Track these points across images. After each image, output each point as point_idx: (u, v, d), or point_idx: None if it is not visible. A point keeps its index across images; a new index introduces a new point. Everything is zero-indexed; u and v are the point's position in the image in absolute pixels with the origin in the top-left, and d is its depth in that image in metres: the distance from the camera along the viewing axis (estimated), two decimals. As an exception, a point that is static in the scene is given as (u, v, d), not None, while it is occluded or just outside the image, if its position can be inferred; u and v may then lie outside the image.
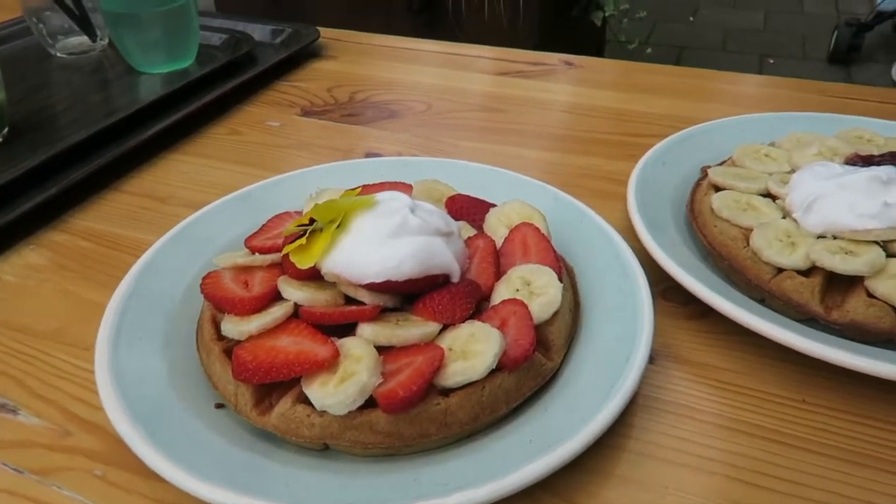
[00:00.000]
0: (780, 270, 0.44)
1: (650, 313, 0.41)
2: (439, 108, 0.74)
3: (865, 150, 0.53)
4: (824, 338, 0.41)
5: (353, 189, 0.47)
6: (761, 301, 0.45)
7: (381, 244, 0.39)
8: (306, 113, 0.73)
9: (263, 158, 0.65)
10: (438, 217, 0.42)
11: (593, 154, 0.64)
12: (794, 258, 0.44)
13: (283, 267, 0.42)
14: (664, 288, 0.48)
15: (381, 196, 0.43)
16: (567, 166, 0.63)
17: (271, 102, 0.76)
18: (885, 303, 0.41)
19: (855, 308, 0.42)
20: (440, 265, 0.40)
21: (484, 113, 0.72)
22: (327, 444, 0.36)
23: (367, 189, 0.49)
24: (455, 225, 0.43)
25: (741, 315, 0.41)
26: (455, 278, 0.41)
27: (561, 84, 0.78)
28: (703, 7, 3.59)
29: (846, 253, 0.43)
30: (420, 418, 0.35)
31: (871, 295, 0.42)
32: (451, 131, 0.69)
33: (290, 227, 0.44)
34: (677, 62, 3.05)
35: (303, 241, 0.41)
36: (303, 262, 0.40)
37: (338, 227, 0.41)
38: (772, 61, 3.04)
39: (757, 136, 0.59)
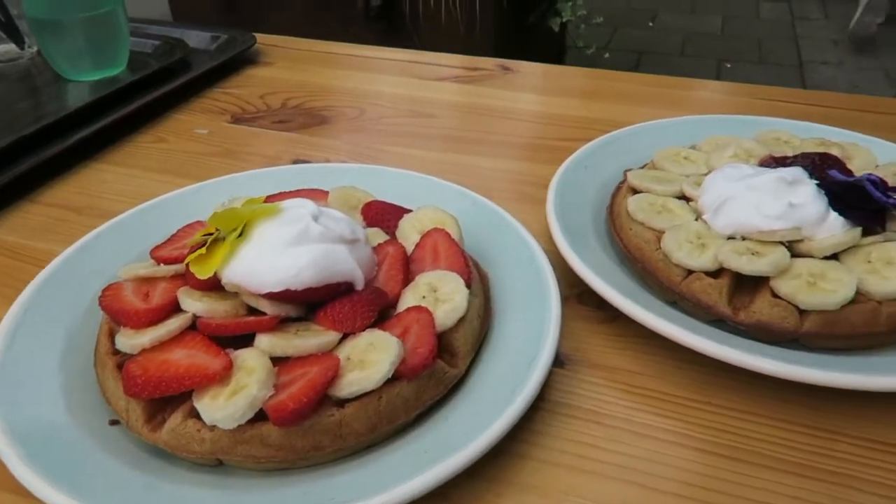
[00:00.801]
0: (690, 272, 0.44)
1: (557, 318, 0.41)
2: (372, 113, 0.73)
3: (780, 152, 0.54)
4: (729, 339, 0.41)
5: (257, 197, 0.46)
6: (674, 303, 0.46)
7: (281, 253, 0.39)
8: (237, 120, 0.72)
9: (187, 167, 0.64)
10: (344, 224, 0.42)
11: (522, 158, 0.64)
12: (702, 260, 0.44)
13: (186, 277, 0.41)
14: (580, 292, 0.48)
15: (286, 204, 0.42)
16: (494, 171, 0.63)
17: (202, 109, 0.74)
18: (789, 303, 0.41)
19: (760, 308, 0.42)
20: (342, 273, 0.39)
21: (416, 118, 0.72)
22: (220, 459, 0.35)
23: (283, 196, 0.48)
24: (362, 232, 0.43)
25: (646, 317, 0.41)
26: (359, 286, 0.40)
27: (496, 89, 0.78)
28: (662, 13, 3.64)
29: (752, 254, 0.43)
30: (313, 430, 0.35)
31: (775, 295, 0.42)
32: (381, 137, 0.69)
33: (197, 236, 0.43)
34: (636, 67, 3.09)
35: (203, 250, 0.40)
36: (202, 272, 0.39)
37: (239, 235, 0.40)
38: (729, 65, 3.09)
39: (680, 138, 0.59)
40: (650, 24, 3.56)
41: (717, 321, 0.44)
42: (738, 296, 0.44)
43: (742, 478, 0.36)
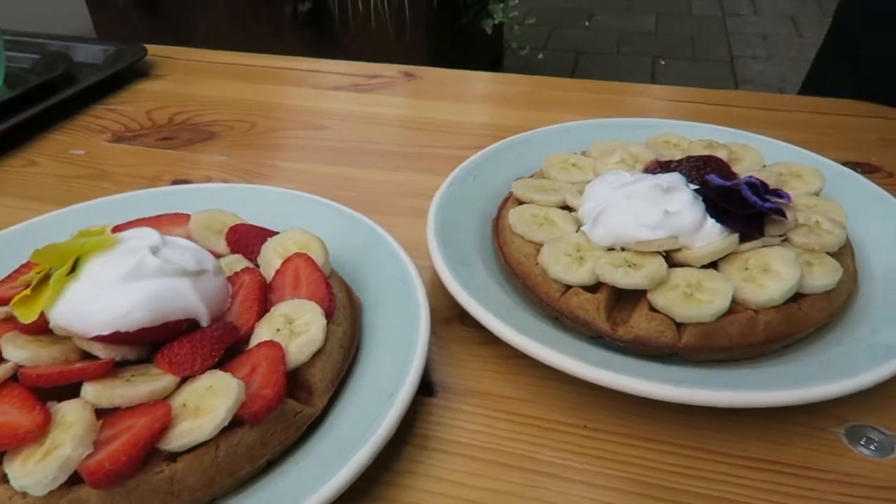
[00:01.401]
0: (568, 287, 0.42)
1: (424, 346, 0.38)
2: (263, 127, 0.70)
3: (668, 155, 0.53)
4: (607, 357, 0.39)
5: (97, 227, 0.42)
6: (556, 320, 0.43)
7: (111, 291, 0.35)
8: (118, 138, 0.68)
9: (56, 192, 0.59)
10: (189, 255, 0.38)
11: (415, 170, 0.62)
12: (580, 274, 0.42)
13: (15, 321, 0.37)
14: (461, 312, 0.45)
15: (124, 235, 0.38)
16: (385, 183, 0.60)
17: (81, 128, 0.70)
18: (666, 316, 0.40)
19: (638, 323, 0.40)
20: (182, 310, 0.36)
21: (309, 131, 0.69)
22: (36, 528, 0.32)
23: (135, 224, 0.45)
24: (211, 262, 0.39)
25: (514, 338, 0.39)
26: (204, 322, 0.37)
27: (396, 97, 0.76)
28: (597, 12, 3.67)
29: (630, 266, 0.41)
30: (140, 491, 0.31)
31: (653, 308, 0.40)
32: (271, 152, 0.65)
33: (31, 274, 0.39)
34: (574, 66, 3.11)
35: (28, 291, 0.36)
36: (25, 316, 0.36)
37: (71, 272, 0.37)
38: (663, 62, 3.13)
39: (575, 144, 0.58)
40: (587, 23, 3.59)
41: (599, 337, 0.42)
42: (617, 310, 0.42)
43: (613, 508, 0.34)
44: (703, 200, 0.43)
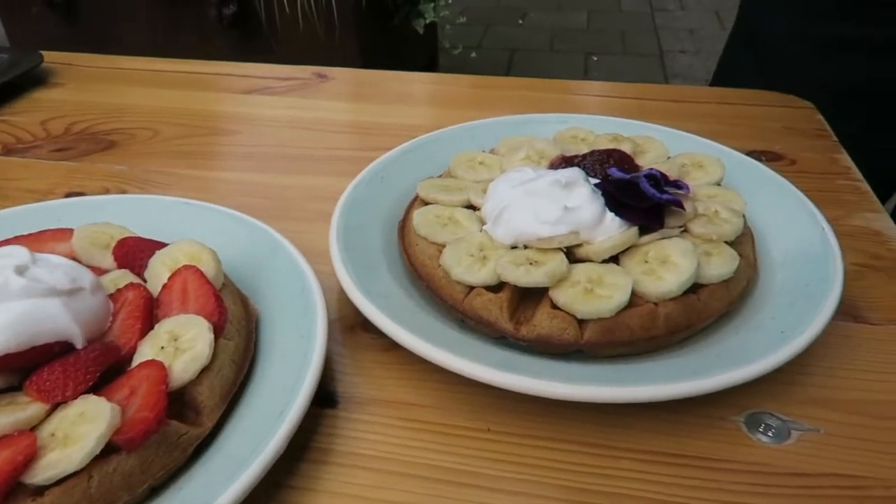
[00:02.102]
0: (472, 288, 0.42)
1: (319, 356, 0.37)
2: (168, 134, 0.67)
3: (574, 150, 0.52)
4: (510, 358, 0.39)
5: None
6: (463, 322, 0.43)
7: (-29, 315, 0.32)
8: (8, 151, 0.64)
9: (-62, 209, 0.55)
10: (61, 272, 0.36)
11: (325, 173, 0.60)
12: (482, 274, 0.41)
13: None
14: (365, 319, 0.44)
15: (-10, 254, 0.36)
16: (293, 188, 0.58)
17: (-32, 142, 0.66)
18: (567, 313, 0.39)
19: (541, 321, 0.40)
20: (53, 332, 0.34)
21: (216, 137, 0.66)
22: None
23: (14, 241, 0.42)
24: (89, 279, 0.37)
25: (414, 343, 0.38)
26: (79, 344, 0.35)
27: (309, 99, 0.74)
28: (530, 10, 3.71)
29: (531, 264, 0.41)
30: (1, 530, 0.29)
31: (555, 306, 0.40)
32: (174, 160, 0.62)
33: None
34: (509, 64, 3.13)
35: None
36: None
37: (-71, 297, 0.34)
38: (595, 58, 3.18)
39: (486, 141, 0.57)
40: (520, 21, 3.62)
41: (504, 338, 0.41)
42: (522, 309, 0.41)
43: (514, 513, 0.33)
44: (603, 194, 0.43)
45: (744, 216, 0.47)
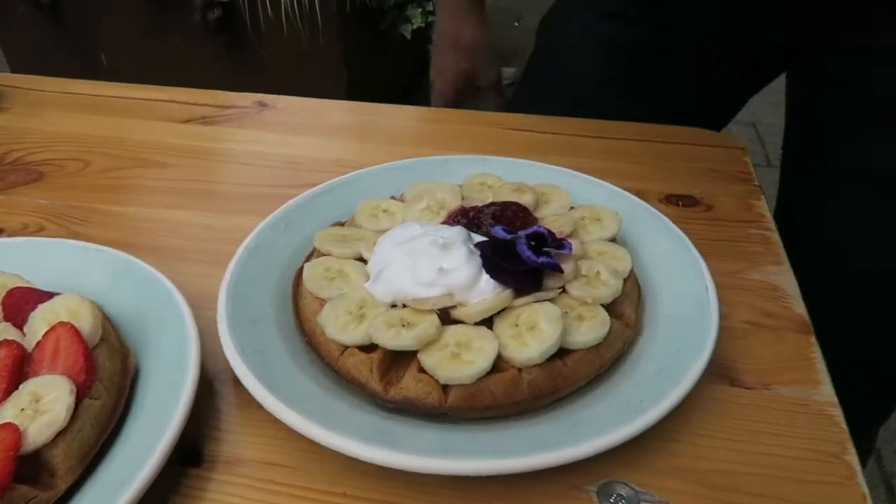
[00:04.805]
0: (347, 347, 0.42)
1: (181, 413, 0.38)
2: (98, 165, 0.68)
3: (476, 200, 0.53)
4: (369, 423, 0.40)
5: None
6: (340, 381, 0.43)
7: None
8: (-62, 182, 0.65)
9: None
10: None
11: (249, 212, 0.59)
12: (355, 334, 0.42)
13: None
14: (248, 371, 0.45)
15: None
16: (210, 229, 0.59)
17: None
18: (432, 376, 0.40)
19: (407, 384, 0.40)
20: None
21: (145, 169, 0.67)
22: None
23: None
24: (-43, 338, 0.38)
25: (271, 403, 0.39)
26: (-62, 406, 0.35)
27: (247, 129, 0.74)
28: (526, 13, 3.70)
29: (403, 325, 0.41)
30: None
31: (422, 369, 0.40)
32: (99, 194, 0.63)
33: None
34: (506, 65, 3.13)
35: None
36: None
37: None
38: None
39: (403, 184, 0.57)
40: (516, 24, 3.61)
41: (378, 397, 0.42)
42: (394, 369, 0.42)
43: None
44: (481, 256, 0.44)
45: (632, 273, 0.47)
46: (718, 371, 0.45)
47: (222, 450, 0.40)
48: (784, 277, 0.53)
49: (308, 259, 0.51)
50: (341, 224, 0.54)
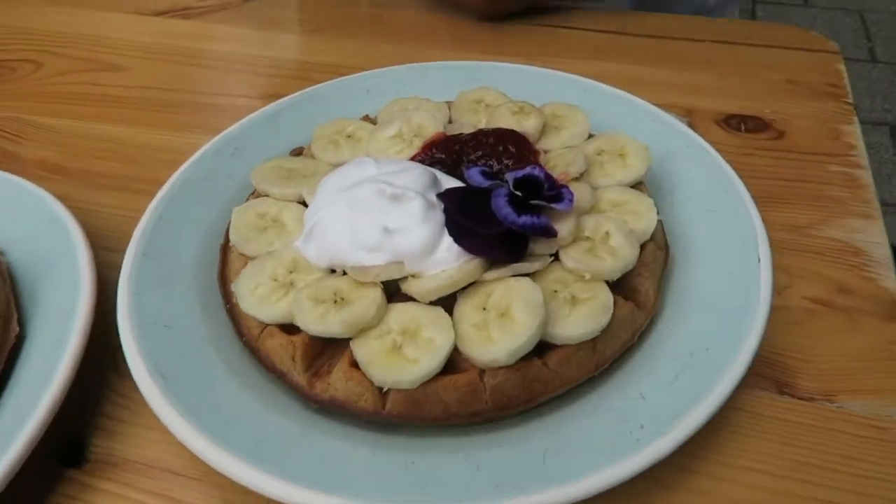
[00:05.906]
0: (266, 325, 0.33)
1: (49, 401, 0.30)
2: (49, 68, 0.58)
3: (463, 125, 0.41)
4: (285, 428, 0.30)
5: None
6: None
7: None
8: None
9: None
10: None
11: (202, 128, 0.50)
12: (276, 309, 0.32)
13: None
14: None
15: None
16: (152, 150, 0.50)
17: None
18: (365, 375, 0.30)
19: (336, 381, 0.31)
20: None
21: (101, 73, 0.57)
22: None
23: None
24: None
25: (159, 406, 0.30)
26: None
27: (225, 25, 0.63)
28: None
29: (336, 301, 0.31)
30: None
31: (355, 362, 0.31)
32: (43, 104, 0.55)
33: None
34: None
35: None
36: None
37: None
38: None
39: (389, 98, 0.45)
40: None
41: (305, 387, 0.32)
42: (325, 356, 0.32)
43: None
44: (444, 212, 0.33)
45: (658, 232, 0.35)
46: (763, 372, 0.33)
47: (109, 447, 0.33)
48: (873, 237, 0.40)
49: (249, 198, 0.41)
50: (300, 153, 0.43)
